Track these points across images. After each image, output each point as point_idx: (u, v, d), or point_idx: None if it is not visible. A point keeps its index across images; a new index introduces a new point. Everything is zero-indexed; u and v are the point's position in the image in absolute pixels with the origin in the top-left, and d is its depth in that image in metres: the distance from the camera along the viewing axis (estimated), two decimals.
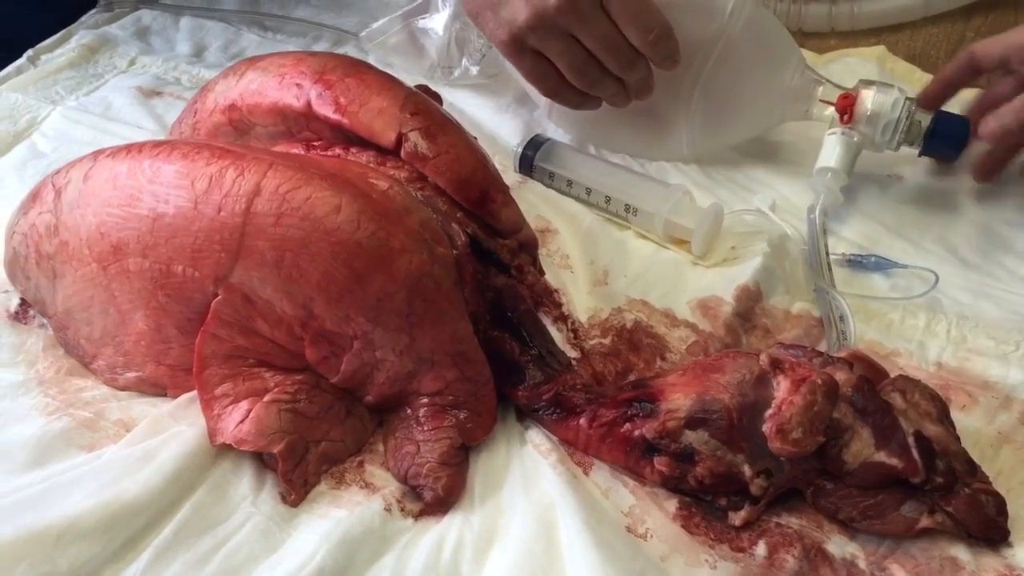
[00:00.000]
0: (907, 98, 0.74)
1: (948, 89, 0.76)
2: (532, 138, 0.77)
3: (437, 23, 0.86)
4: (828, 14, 0.97)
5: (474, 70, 0.86)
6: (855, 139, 0.74)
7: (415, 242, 0.52)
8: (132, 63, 0.92)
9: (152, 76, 0.90)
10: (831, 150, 0.74)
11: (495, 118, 0.83)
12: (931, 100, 0.76)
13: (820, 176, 0.73)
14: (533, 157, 0.76)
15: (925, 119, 0.74)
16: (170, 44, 0.96)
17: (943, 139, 0.74)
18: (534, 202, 0.72)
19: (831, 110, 0.75)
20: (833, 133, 0.74)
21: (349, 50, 0.95)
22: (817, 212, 0.70)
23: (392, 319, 0.52)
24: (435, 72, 0.87)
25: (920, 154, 0.76)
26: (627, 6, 0.68)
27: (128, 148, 0.55)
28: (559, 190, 0.75)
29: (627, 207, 0.72)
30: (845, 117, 0.74)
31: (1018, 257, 0.72)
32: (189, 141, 0.55)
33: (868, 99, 0.73)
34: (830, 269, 0.67)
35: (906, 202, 0.78)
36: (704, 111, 0.75)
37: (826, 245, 0.69)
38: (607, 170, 0.75)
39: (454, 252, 0.55)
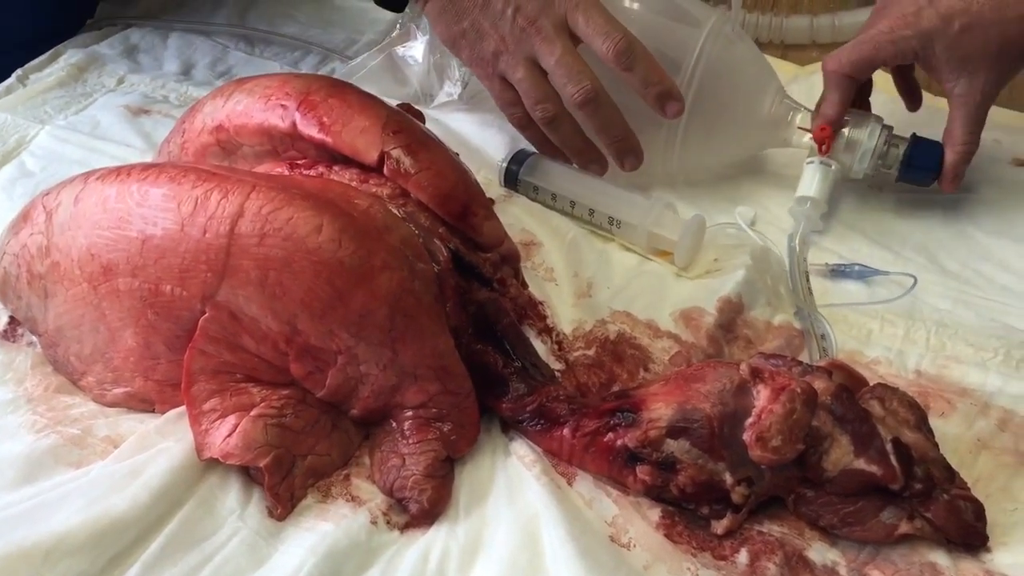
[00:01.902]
0: (883, 126, 0.75)
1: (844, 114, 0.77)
2: (516, 152, 0.78)
3: (416, 51, 0.87)
4: (809, 26, 0.99)
5: (455, 95, 0.87)
6: (833, 167, 0.75)
7: (396, 259, 0.53)
8: (121, 82, 0.92)
9: (140, 94, 0.90)
10: (810, 179, 0.75)
11: (480, 133, 0.84)
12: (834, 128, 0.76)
13: (800, 205, 0.75)
14: (518, 171, 0.76)
15: (901, 145, 0.75)
16: (158, 62, 0.96)
17: (918, 169, 0.75)
18: (519, 215, 0.73)
19: (809, 137, 0.76)
20: (812, 162, 0.75)
21: (336, 66, 0.95)
22: (797, 240, 0.71)
23: (375, 334, 0.53)
24: (417, 100, 0.88)
25: (896, 180, 0.77)
26: (591, 19, 0.69)
27: (117, 171, 0.56)
28: (544, 203, 0.75)
29: (611, 219, 0.73)
30: (823, 147, 0.75)
31: (996, 265, 0.73)
32: (176, 164, 0.56)
33: (845, 128, 0.75)
34: (811, 293, 0.68)
35: (886, 211, 0.79)
36: (684, 140, 0.76)
37: (806, 273, 0.70)
38: (591, 183, 0.75)
39: (436, 268, 0.56)
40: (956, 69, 0.72)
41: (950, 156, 0.73)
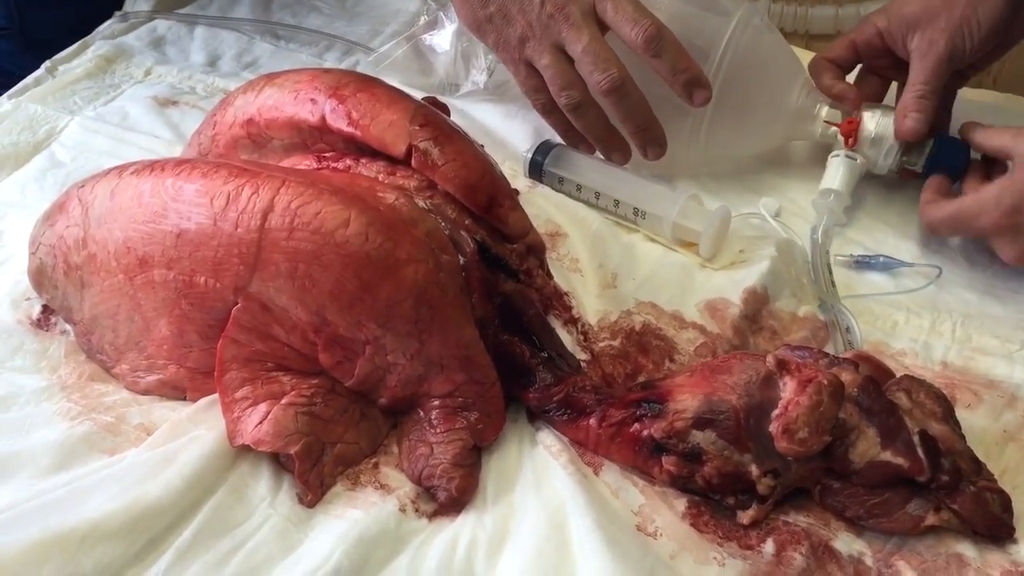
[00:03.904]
0: None
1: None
2: (541, 143, 0.78)
3: (443, 39, 0.87)
4: (834, 16, 0.98)
5: (481, 84, 0.87)
6: (858, 161, 0.75)
7: (421, 252, 0.54)
8: (148, 73, 0.93)
9: (168, 85, 0.91)
10: (835, 172, 0.75)
11: (505, 124, 0.84)
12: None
13: (823, 197, 0.74)
14: (543, 162, 0.77)
15: (927, 142, 0.74)
16: (185, 54, 0.97)
17: (943, 166, 0.74)
18: (544, 206, 0.73)
19: (835, 129, 0.76)
20: (837, 155, 0.75)
21: (360, 58, 0.96)
22: (820, 233, 0.71)
23: (401, 325, 0.53)
24: (443, 89, 0.88)
25: (921, 177, 0.75)
26: (620, 6, 0.69)
27: (151, 166, 0.57)
28: (568, 194, 0.75)
29: (636, 210, 0.73)
30: (850, 141, 0.75)
31: None
32: (208, 160, 0.56)
33: (871, 123, 0.75)
34: (834, 285, 0.68)
35: (913, 202, 0.78)
36: (709, 130, 0.75)
37: (829, 265, 0.69)
38: (615, 174, 0.75)
39: (462, 260, 0.57)
40: (909, 28, 0.74)
41: (905, 97, 0.73)
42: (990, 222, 0.66)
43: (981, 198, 0.67)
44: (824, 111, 0.77)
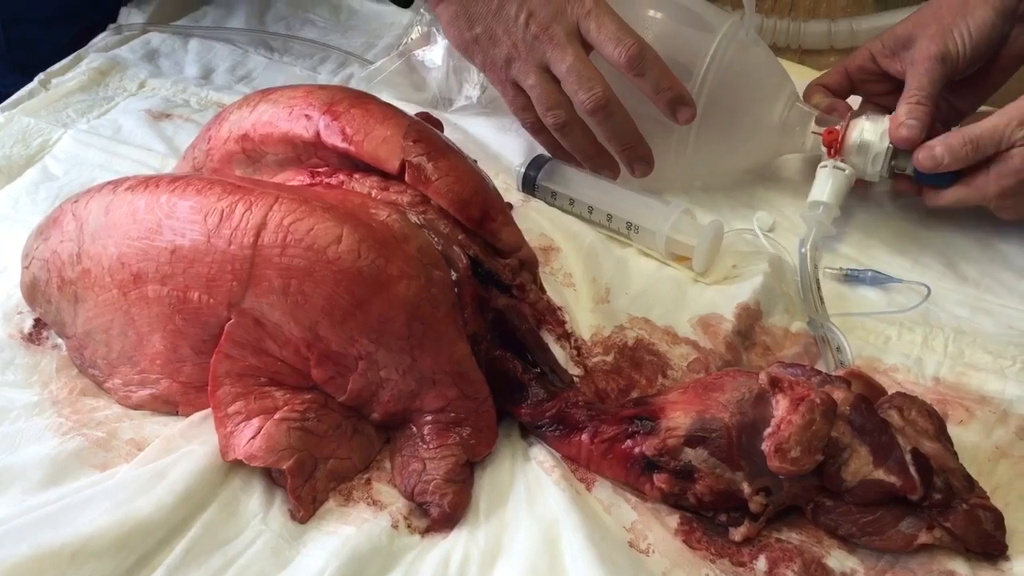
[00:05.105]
0: None
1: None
2: (535, 158, 0.78)
3: (435, 54, 0.87)
4: (827, 31, 0.98)
5: (474, 99, 0.87)
6: (847, 171, 0.74)
7: (413, 268, 0.54)
8: (142, 86, 0.93)
9: (161, 98, 0.91)
10: (823, 184, 0.74)
11: (498, 138, 0.84)
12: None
13: (812, 210, 0.73)
14: (536, 176, 0.77)
15: None
16: (178, 67, 0.97)
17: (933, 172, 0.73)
18: (537, 220, 0.73)
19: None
20: (825, 166, 0.75)
21: (354, 71, 0.96)
22: (808, 246, 0.70)
23: (393, 341, 0.54)
24: (436, 103, 0.88)
25: (914, 182, 0.75)
26: (603, 26, 0.70)
27: (146, 182, 0.57)
28: (562, 208, 0.76)
29: (629, 225, 0.73)
30: (832, 151, 0.74)
31: (1016, 272, 0.73)
32: (202, 177, 0.57)
33: (855, 130, 0.74)
34: (822, 302, 0.67)
35: (905, 217, 0.79)
36: (696, 145, 0.76)
37: (818, 280, 0.68)
38: (609, 188, 0.76)
39: (454, 275, 0.57)
40: (903, 45, 0.75)
41: (900, 106, 0.73)
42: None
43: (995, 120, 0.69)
44: (812, 123, 0.77)
